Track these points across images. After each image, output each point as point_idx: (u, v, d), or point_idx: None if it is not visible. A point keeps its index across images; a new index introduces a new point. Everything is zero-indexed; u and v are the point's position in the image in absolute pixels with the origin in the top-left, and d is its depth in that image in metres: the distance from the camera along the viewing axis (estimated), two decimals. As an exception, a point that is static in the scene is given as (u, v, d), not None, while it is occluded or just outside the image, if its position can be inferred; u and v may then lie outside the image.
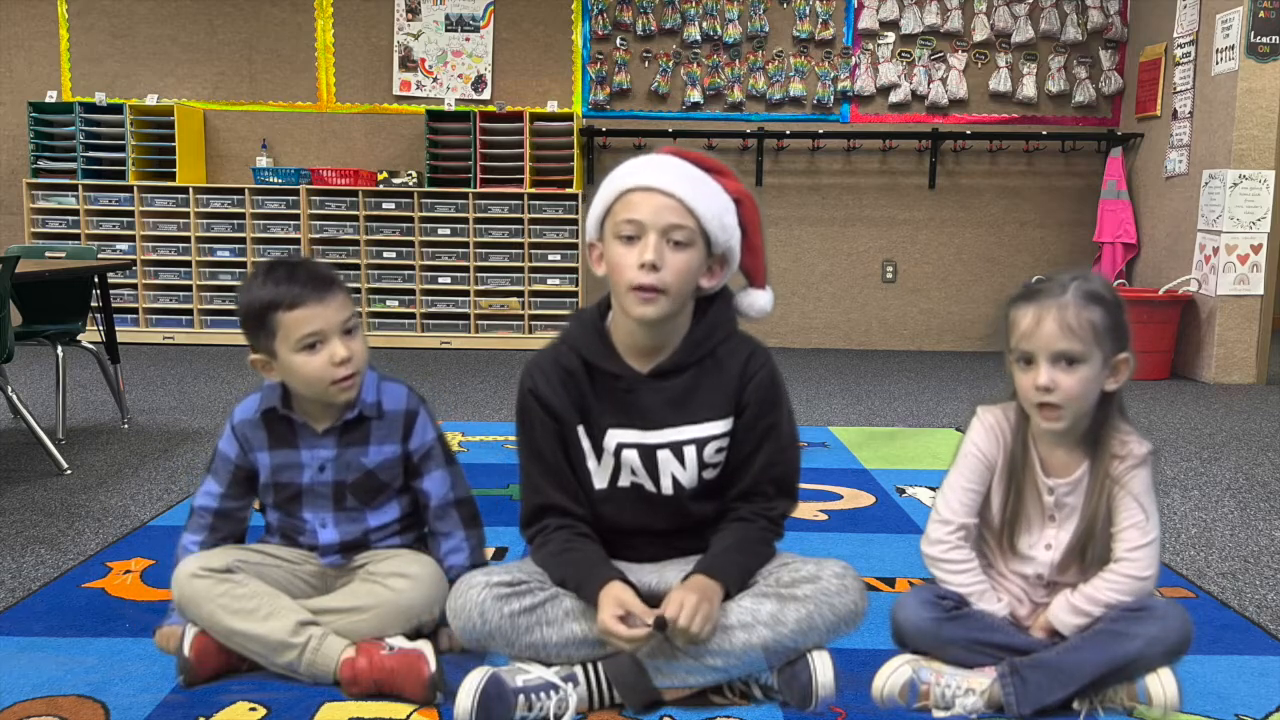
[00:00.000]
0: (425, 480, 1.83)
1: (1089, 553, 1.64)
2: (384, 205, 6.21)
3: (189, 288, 6.27)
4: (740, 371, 1.67)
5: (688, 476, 1.67)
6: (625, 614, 1.53)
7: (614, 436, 1.66)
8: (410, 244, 6.22)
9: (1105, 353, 1.58)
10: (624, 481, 1.69)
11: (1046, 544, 1.67)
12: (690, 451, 1.66)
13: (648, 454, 1.66)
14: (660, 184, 1.56)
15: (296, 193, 6.20)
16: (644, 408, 1.66)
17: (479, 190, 6.16)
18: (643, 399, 1.66)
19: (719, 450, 1.68)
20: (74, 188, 6.18)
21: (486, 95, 6.43)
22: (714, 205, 1.60)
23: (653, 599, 1.70)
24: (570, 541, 1.65)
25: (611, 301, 1.67)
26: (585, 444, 1.68)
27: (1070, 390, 1.57)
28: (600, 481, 1.70)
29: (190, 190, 6.20)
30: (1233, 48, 5.21)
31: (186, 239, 6.24)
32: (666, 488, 1.68)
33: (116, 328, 4.01)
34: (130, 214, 6.21)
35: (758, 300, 1.74)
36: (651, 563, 1.73)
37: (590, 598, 1.58)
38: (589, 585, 1.58)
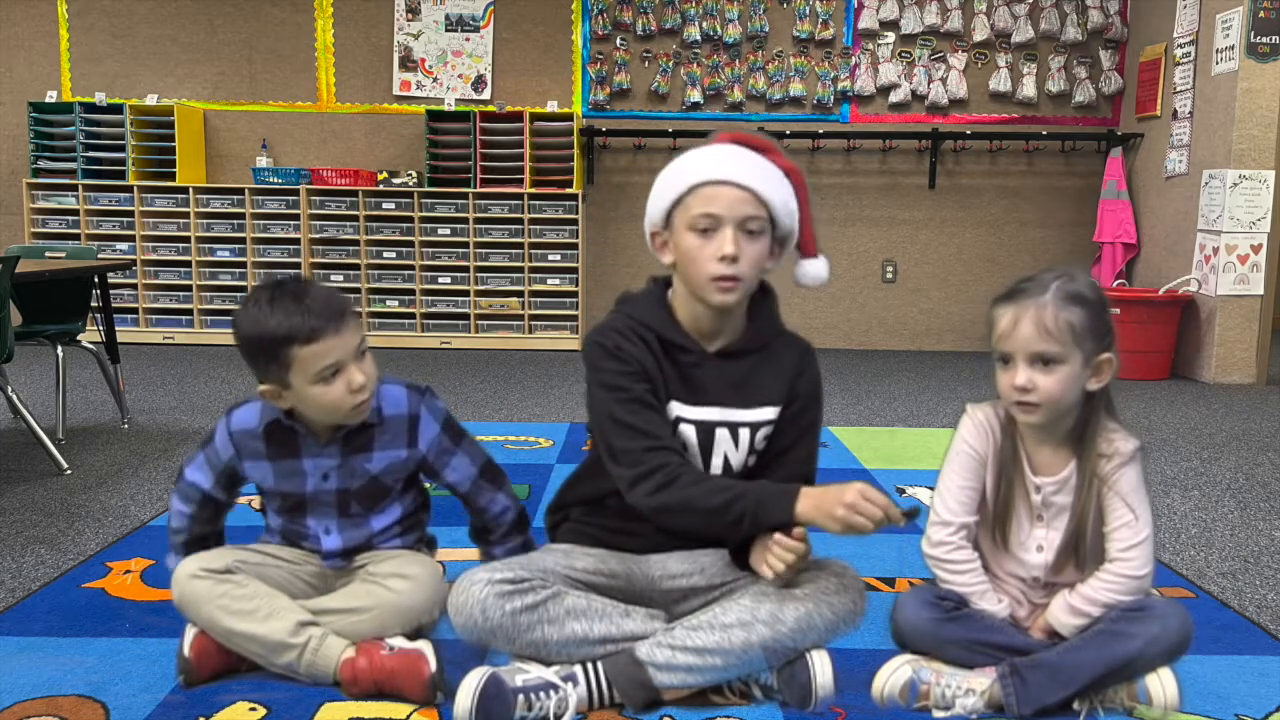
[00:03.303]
0: (447, 472, 1.84)
1: (1081, 551, 1.64)
2: (384, 205, 6.21)
3: (189, 288, 6.27)
4: (796, 364, 1.72)
5: (738, 458, 1.69)
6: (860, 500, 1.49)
7: (674, 409, 1.67)
8: (410, 244, 6.22)
9: (1086, 353, 1.58)
10: None
11: (1038, 545, 1.67)
12: (745, 434, 1.68)
13: (705, 431, 1.67)
14: (735, 177, 1.59)
15: (296, 193, 6.20)
16: (706, 385, 1.68)
17: (479, 190, 6.15)
18: (707, 376, 1.68)
19: (766, 438, 1.70)
20: (74, 188, 6.18)
21: (486, 95, 6.43)
22: (781, 192, 1.63)
23: (653, 591, 1.71)
24: (702, 472, 1.62)
25: (674, 283, 1.70)
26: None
27: (1048, 391, 1.57)
28: None
29: (190, 190, 6.20)
30: (1233, 48, 5.21)
31: (186, 239, 6.24)
32: (716, 467, 1.69)
33: (116, 328, 4.01)
34: (130, 214, 6.21)
35: (811, 269, 1.75)
36: (656, 552, 1.73)
37: (783, 510, 1.53)
38: (778, 499, 1.54)
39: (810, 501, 1.52)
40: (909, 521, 1.50)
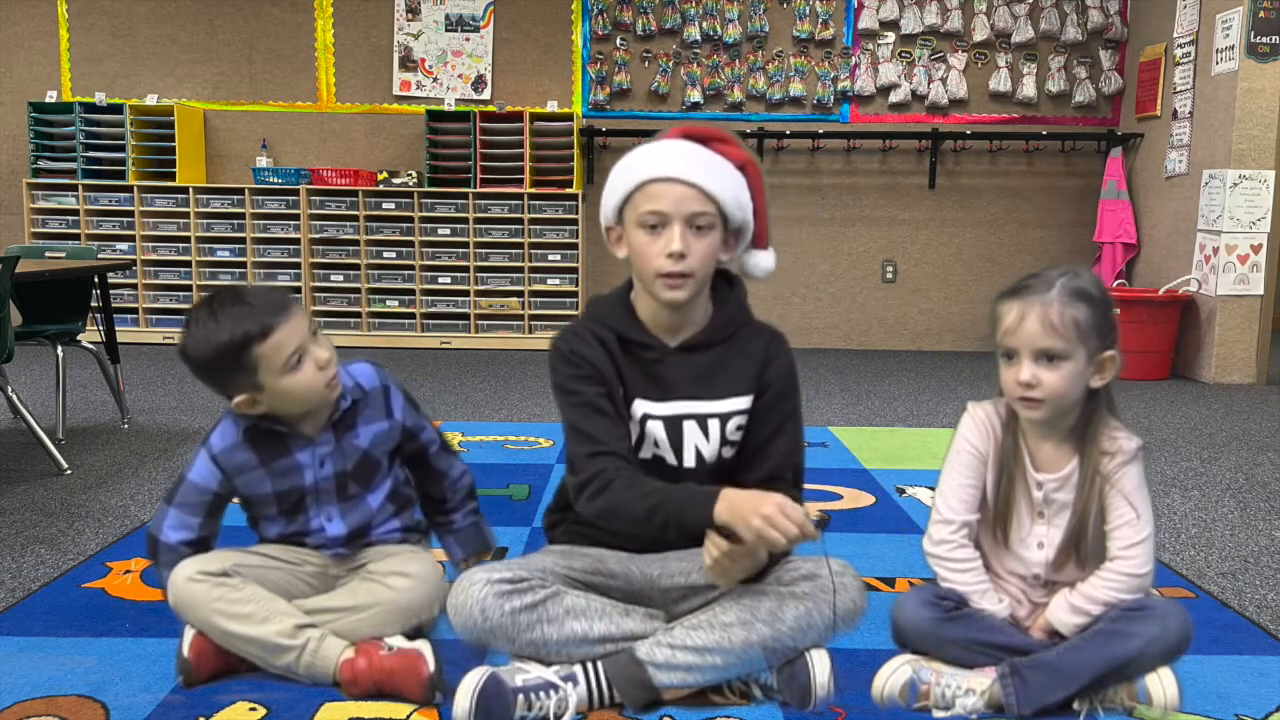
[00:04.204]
0: (423, 436, 1.90)
1: (1082, 549, 1.64)
2: (384, 205, 6.21)
3: (189, 288, 6.27)
4: (763, 353, 1.71)
5: (710, 450, 1.68)
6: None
7: (640, 407, 1.68)
8: (410, 244, 6.22)
9: (1090, 350, 1.58)
10: (645, 454, 1.69)
11: (1039, 542, 1.67)
12: (714, 425, 1.68)
13: (673, 425, 1.68)
14: (681, 174, 1.59)
15: (296, 193, 6.20)
16: (671, 380, 1.68)
17: (479, 190, 6.15)
18: (671, 371, 1.68)
19: (739, 428, 1.70)
20: (74, 188, 6.18)
21: (486, 95, 6.43)
22: (731, 187, 1.63)
23: (652, 591, 1.70)
24: (638, 477, 1.60)
25: (634, 281, 1.70)
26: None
27: (1053, 387, 1.57)
28: None
29: (190, 190, 6.20)
30: (1233, 48, 5.21)
31: (186, 239, 6.24)
32: (689, 460, 1.69)
33: (116, 328, 4.00)
34: (130, 214, 6.21)
35: (762, 260, 1.75)
36: (654, 553, 1.72)
37: (703, 513, 1.51)
38: (701, 502, 1.52)
39: (728, 505, 1.49)
40: (823, 531, 1.46)
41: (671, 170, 1.59)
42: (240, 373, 1.66)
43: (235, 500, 1.84)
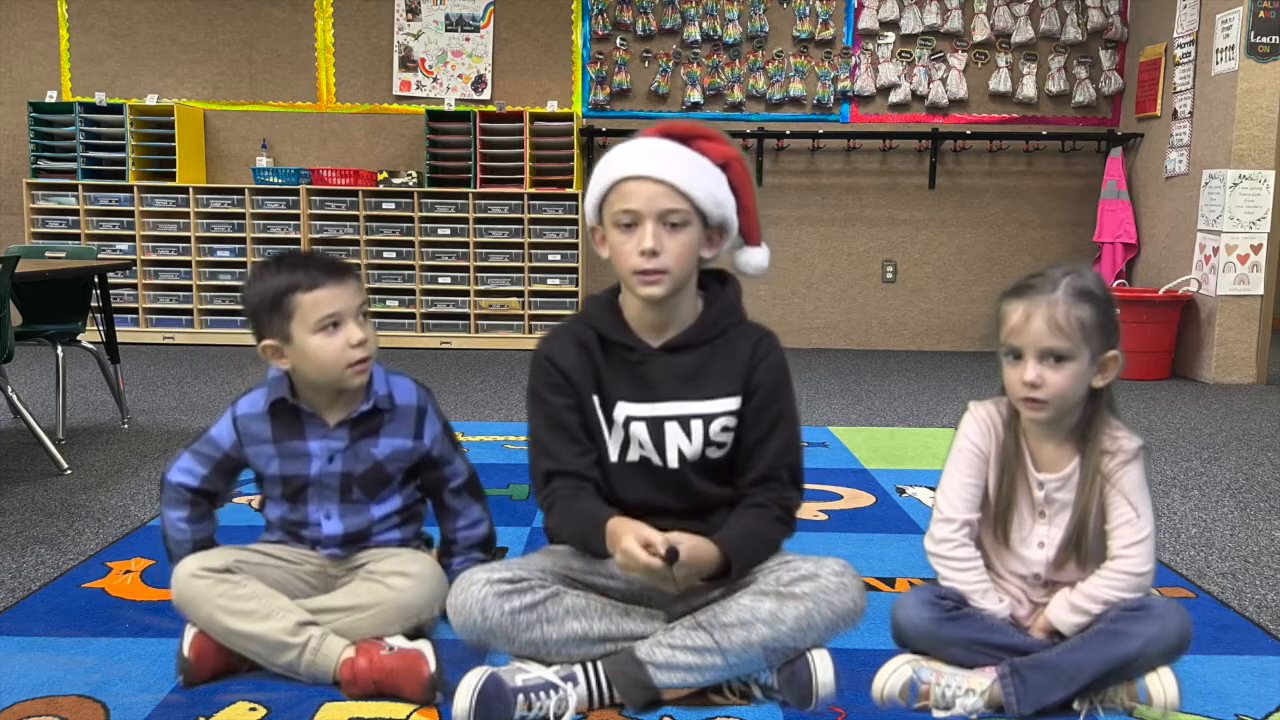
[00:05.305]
0: (446, 470, 1.90)
1: (1083, 548, 1.64)
2: (384, 205, 6.21)
3: (189, 288, 6.27)
4: (750, 354, 1.70)
5: (693, 450, 1.68)
6: (647, 543, 1.51)
7: (623, 409, 1.68)
8: (410, 244, 6.22)
9: (1093, 349, 1.58)
10: (632, 456, 1.70)
11: (1039, 542, 1.68)
12: (697, 426, 1.68)
13: (655, 426, 1.68)
14: (652, 171, 1.60)
15: (296, 193, 6.20)
16: (654, 381, 1.68)
17: (479, 190, 6.15)
18: (653, 372, 1.68)
19: (725, 429, 1.69)
20: (74, 188, 6.18)
21: (486, 95, 6.43)
22: (706, 183, 1.63)
23: (652, 590, 1.69)
24: (574, 496, 1.65)
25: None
26: (599, 415, 1.69)
27: (1057, 387, 1.57)
28: (610, 455, 1.71)
29: (190, 190, 6.20)
30: (1233, 48, 5.21)
31: (186, 239, 6.24)
32: (672, 460, 1.69)
33: (116, 328, 4.01)
34: (130, 214, 6.21)
35: (753, 258, 1.75)
36: None
37: (599, 542, 1.57)
38: (595, 531, 1.58)
39: (609, 536, 1.56)
40: (670, 562, 1.50)
41: (642, 168, 1.61)
42: (277, 316, 1.71)
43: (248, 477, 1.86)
